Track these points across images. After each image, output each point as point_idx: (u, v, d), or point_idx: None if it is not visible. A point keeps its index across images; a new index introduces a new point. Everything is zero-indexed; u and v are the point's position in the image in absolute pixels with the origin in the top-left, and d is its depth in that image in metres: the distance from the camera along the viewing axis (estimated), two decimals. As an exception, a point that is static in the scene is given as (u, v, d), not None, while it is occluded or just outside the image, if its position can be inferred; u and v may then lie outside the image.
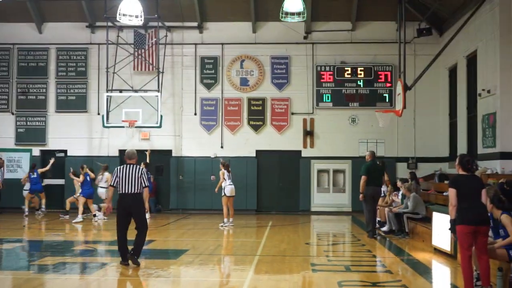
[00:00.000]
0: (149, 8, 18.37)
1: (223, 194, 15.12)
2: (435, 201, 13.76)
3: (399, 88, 15.54)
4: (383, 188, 14.35)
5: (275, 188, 20.17)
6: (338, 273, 8.79)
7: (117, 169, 9.32)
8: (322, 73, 19.93)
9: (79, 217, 16.44)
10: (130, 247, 9.21)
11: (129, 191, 9.10)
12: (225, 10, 20.01)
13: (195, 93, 20.32)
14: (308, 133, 19.98)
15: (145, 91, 19.24)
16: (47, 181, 19.75)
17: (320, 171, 19.98)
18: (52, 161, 18.56)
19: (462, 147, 16.95)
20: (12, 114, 20.65)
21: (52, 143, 20.52)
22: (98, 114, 20.11)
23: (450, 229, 7.46)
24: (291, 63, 20.21)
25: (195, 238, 13.08)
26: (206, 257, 10.25)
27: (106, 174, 17.04)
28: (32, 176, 18.15)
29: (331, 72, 19.89)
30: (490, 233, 7.49)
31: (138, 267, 9.02)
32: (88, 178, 17.09)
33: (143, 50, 19.85)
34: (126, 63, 19.81)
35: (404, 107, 15.23)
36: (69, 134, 20.33)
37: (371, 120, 18.95)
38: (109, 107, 18.76)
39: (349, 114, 19.96)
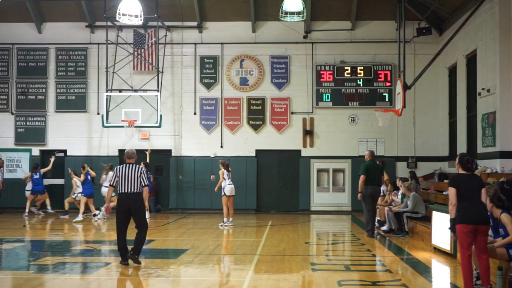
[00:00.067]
0: (148, 7, 18.38)
1: (222, 193, 15.10)
2: (434, 200, 13.75)
3: (398, 88, 15.55)
4: (383, 188, 14.36)
5: (275, 187, 20.17)
6: (338, 272, 8.79)
7: (116, 168, 9.36)
8: (321, 72, 19.92)
9: (80, 217, 16.46)
10: (130, 247, 9.22)
11: (129, 190, 9.13)
12: (225, 9, 20.00)
13: (195, 92, 20.32)
14: (308, 133, 19.97)
15: (145, 90, 19.23)
16: (46, 181, 19.69)
17: (319, 171, 19.97)
18: (53, 159, 18.55)
19: (461, 146, 16.95)
20: (12, 114, 20.65)
21: (52, 143, 20.52)
22: (98, 114, 20.13)
23: (450, 228, 7.47)
24: (290, 63, 20.20)
25: (195, 238, 13.08)
26: (206, 257, 10.26)
27: (111, 174, 17.00)
28: (35, 177, 18.10)
29: (331, 72, 19.88)
30: (490, 232, 7.50)
31: (138, 267, 9.04)
32: (89, 178, 17.09)
33: (142, 50, 19.83)
34: (125, 63, 19.80)
35: (404, 106, 15.25)
36: (68, 134, 20.33)
37: (371, 120, 18.96)
38: (109, 106, 18.74)
39: (349, 114, 19.96)
